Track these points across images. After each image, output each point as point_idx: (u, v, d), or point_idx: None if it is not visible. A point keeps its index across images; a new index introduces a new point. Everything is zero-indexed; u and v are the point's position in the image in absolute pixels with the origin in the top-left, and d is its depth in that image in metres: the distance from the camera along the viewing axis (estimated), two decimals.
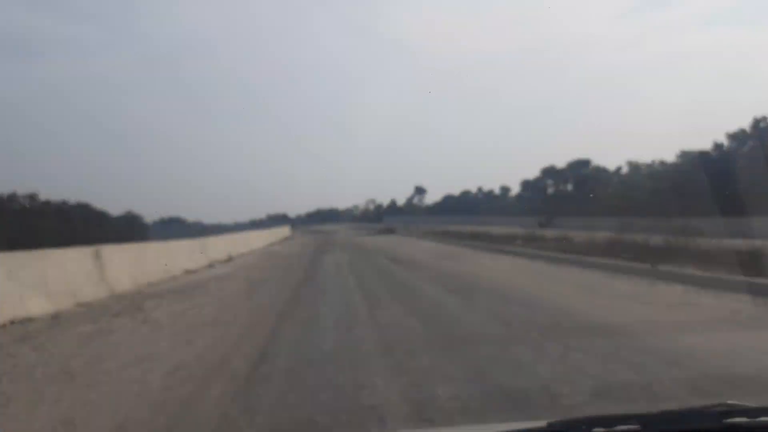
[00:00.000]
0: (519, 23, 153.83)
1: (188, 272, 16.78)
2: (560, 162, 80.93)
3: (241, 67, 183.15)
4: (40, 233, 69.92)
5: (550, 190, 75.59)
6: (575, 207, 71.20)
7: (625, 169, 73.30)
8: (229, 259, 23.67)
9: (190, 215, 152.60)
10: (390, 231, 52.10)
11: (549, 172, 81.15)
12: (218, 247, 24.20)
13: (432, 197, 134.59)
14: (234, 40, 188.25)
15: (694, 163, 49.20)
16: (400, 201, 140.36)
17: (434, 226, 65.31)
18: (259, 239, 36.23)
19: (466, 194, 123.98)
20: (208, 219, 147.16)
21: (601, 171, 70.36)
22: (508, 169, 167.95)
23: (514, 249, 22.08)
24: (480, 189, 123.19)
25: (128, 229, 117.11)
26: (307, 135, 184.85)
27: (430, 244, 32.82)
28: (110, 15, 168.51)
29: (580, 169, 77.41)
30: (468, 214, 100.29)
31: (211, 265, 19.95)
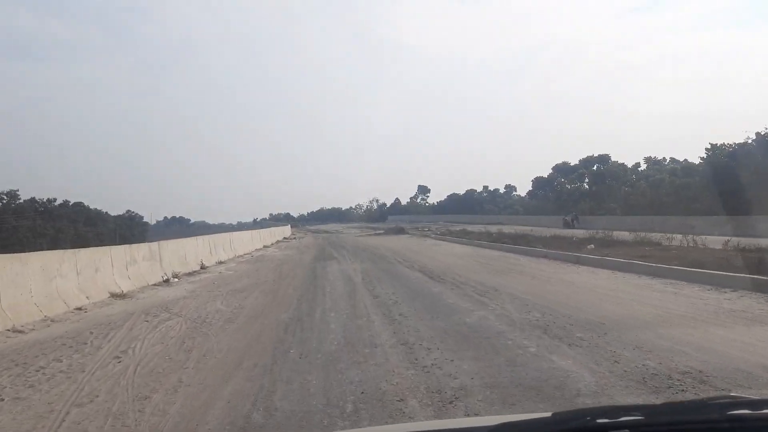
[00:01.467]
0: (515, 26, 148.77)
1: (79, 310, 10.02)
2: (570, 160, 74.46)
3: (246, 68, 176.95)
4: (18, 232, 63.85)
5: (568, 187, 68.80)
6: (593, 204, 64.86)
7: (643, 166, 66.78)
8: (199, 270, 17.08)
9: (195, 215, 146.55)
10: (400, 231, 45.39)
11: (562, 169, 74.50)
12: (187, 252, 17.54)
13: (435, 197, 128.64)
14: (238, 41, 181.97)
15: (721, 163, 44.18)
16: (404, 200, 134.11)
17: (447, 225, 58.65)
18: (251, 241, 29.58)
19: (471, 193, 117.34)
20: (212, 219, 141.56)
21: (619, 167, 63.62)
22: (510, 168, 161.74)
23: (595, 257, 15.33)
24: (486, 188, 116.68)
25: (127, 227, 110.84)
26: (310, 135, 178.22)
27: (457, 247, 26.14)
28: (112, 19, 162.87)
29: (593, 165, 70.88)
30: (472, 213, 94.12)
31: (165, 282, 13.40)
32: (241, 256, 23.99)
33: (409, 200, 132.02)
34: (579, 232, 27.80)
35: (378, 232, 48.46)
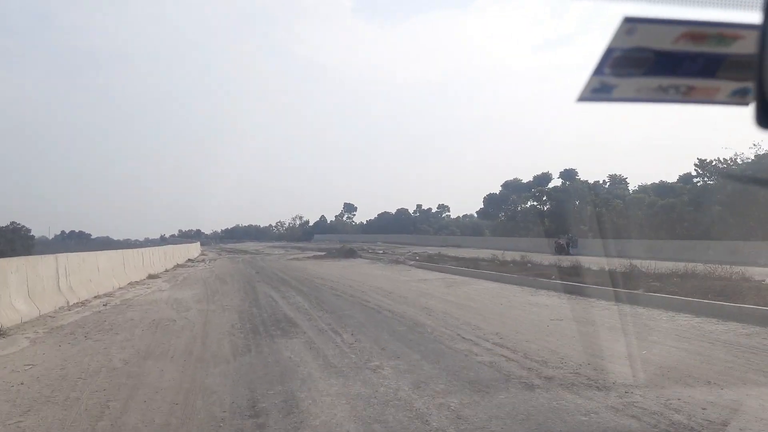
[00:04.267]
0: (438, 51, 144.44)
1: None
2: (520, 177, 66.31)
3: (159, 79, 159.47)
4: None
5: (523, 206, 59.95)
6: (552, 226, 56.31)
7: (607, 184, 59.39)
8: None
9: (99, 230, 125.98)
10: (350, 253, 33.47)
11: (512, 186, 65.95)
12: None
13: (362, 215, 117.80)
14: (153, 52, 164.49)
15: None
16: (329, 218, 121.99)
17: (392, 247, 47.41)
18: (121, 269, 16.85)
19: (402, 212, 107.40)
20: (117, 234, 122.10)
21: (584, 185, 55.57)
22: (440, 188, 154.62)
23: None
24: (419, 206, 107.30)
25: (7, 242, 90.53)
26: (222, 150, 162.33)
27: (495, 287, 14.83)
28: (26, 27, 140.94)
29: (546, 182, 62.83)
30: (406, 233, 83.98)
31: None
32: (76, 306, 11.43)
33: (334, 218, 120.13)
34: (591, 261, 17.89)
35: (318, 254, 36.23)
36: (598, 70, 0.88)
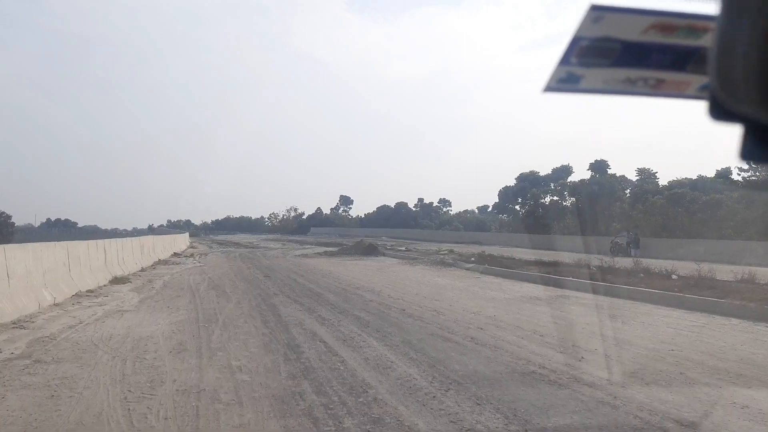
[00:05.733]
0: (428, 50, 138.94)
1: None
2: (538, 170, 60.78)
3: (150, 69, 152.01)
4: None
5: (545, 199, 54.25)
6: (574, 222, 50.78)
7: (635, 179, 53.71)
8: None
9: (87, 219, 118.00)
10: (370, 250, 27.31)
11: (529, 179, 60.16)
12: None
13: (359, 208, 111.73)
14: (146, 41, 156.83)
15: None
16: (325, 210, 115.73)
17: (406, 243, 41.45)
18: (73, 272, 10.69)
19: (402, 206, 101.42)
20: (105, 224, 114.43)
21: (617, 180, 49.89)
22: (439, 182, 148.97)
23: None
24: (421, 200, 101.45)
25: None
26: (214, 139, 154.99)
27: (646, 317, 8.85)
28: (18, 10, 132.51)
29: (566, 175, 57.24)
30: (406, 227, 78.05)
31: None
32: None
33: (330, 211, 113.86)
34: (685, 267, 12.28)
35: (328, 250, 30.04)
36: (565, 60, 0.84)
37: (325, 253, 27.94)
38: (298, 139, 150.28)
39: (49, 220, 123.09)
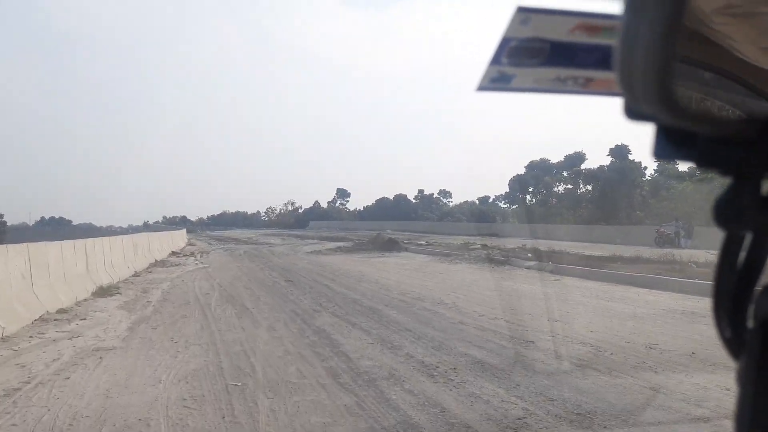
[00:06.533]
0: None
1: None
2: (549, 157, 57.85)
3: (140, 64, 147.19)
4: None
5: (558, 188, 51.41)
6: (594, 212, 48.12)
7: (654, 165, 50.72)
8: None
9: (81, 217, 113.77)
10: (390, 245, 24.14)
11: (540, 167, 57.24)
12: None
13: (355, 201, 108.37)
14: (134, 36, 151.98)
15: None
16: (322, 204, 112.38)
17: (422, 237, 38.33)
18: (38, 285, 7.52)
19: (401, 197, 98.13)
20: (100, 221, 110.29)
21: (636, 166, 46.91)
22: (439, 173, 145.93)
23: None
24: (421, 192, 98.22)
25: None
26: (208, 134, 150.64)
27: None
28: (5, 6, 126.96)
29: (579, 162, 54.23)
30: (406, 219, 74.87)
31: None
32: None
33: (327, 204, 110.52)
34: None
35: (341, 246, 26.87)
36: (495, 60, 0.82)
37: (340, 249, 24.81)
38: (292, 132, 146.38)
39: (43, 218, 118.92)
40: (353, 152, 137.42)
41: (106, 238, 13.92)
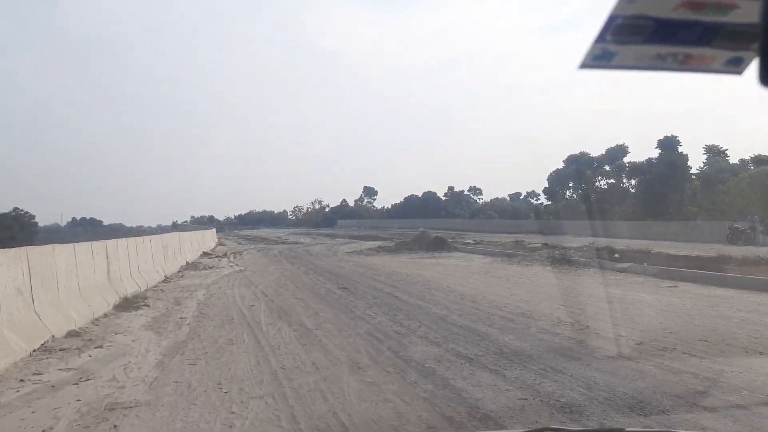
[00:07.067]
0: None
1: None
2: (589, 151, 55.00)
3: (163, 64, 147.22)
4: None
5: (601, 183, 48.57)
6: (636, 208, 45.27)
7: (703, 158, 47.30)
8: None
9: (112, 217, 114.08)
10: (438, 244, 21.98)
11: (580, 161, 54.08)
12: None
13: (383, 199, 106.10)
14: (159, 41, 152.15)
15: None
16: (349, 202, 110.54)
17: (461, 236, 36.02)
18: (40, 301, 5.58)
19: (430, 195, 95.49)
20: (130, 221, 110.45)
21: (685, 159, 43.64)
22: (466, 170, 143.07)
23: None
24: (451, 189, 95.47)
25: (6, 229, 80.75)
26: (235, 135, 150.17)
27: None
28: (21, 10, 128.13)
29: (622, 156, 50.89)
30: (436, 217, 72.22)
31: None
32: None
33: (354, 203, 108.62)
34: None
35: (383, 245, 24.74)
36: (600, 38, 0.86)
37: (382, 249, 22.72)
38: (318, 131, 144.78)
39: (74, 219, 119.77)
40: (380, 150, 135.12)
41: (131, 239, 12.03)
